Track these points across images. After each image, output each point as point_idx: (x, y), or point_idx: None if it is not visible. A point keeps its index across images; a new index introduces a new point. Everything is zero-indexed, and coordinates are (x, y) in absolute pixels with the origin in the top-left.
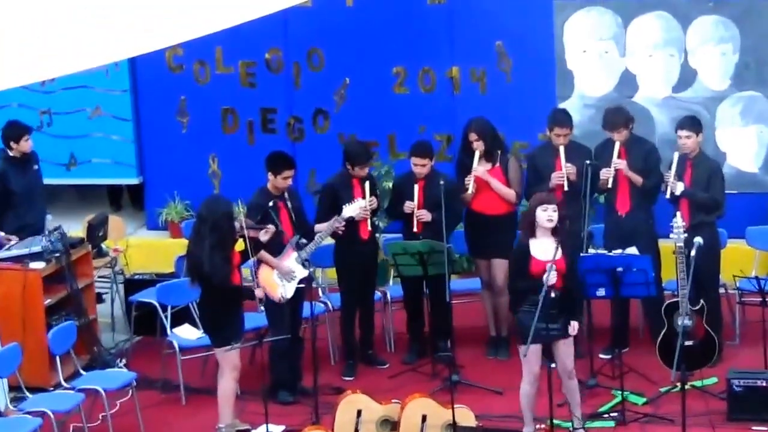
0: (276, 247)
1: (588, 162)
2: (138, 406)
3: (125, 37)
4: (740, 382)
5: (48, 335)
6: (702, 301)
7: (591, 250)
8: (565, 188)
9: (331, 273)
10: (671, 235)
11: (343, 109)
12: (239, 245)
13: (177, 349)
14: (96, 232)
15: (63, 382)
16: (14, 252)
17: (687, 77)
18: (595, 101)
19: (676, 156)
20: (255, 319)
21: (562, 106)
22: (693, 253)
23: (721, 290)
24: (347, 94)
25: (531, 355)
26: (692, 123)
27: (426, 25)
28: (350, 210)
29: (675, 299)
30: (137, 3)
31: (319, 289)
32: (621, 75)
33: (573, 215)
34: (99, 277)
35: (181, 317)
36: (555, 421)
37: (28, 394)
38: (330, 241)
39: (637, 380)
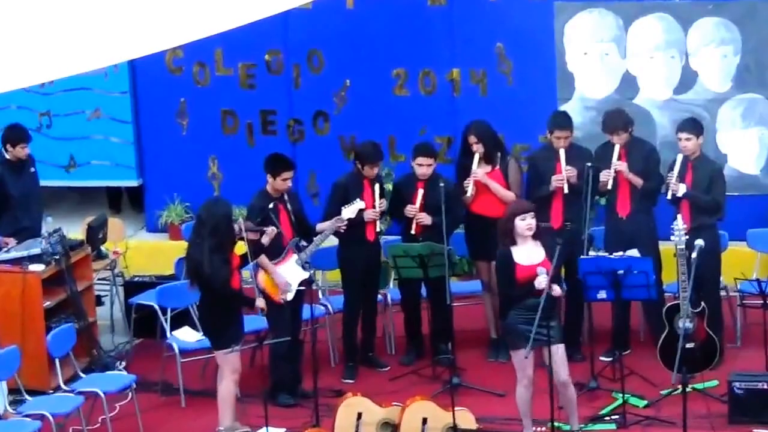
0: (276, 249)
1: (589, 164)
2: (138, 408)
3: (125, 40)
4: (741, 384)
5: (47, 338)
6: (703, 303)
7: (592, 253)
8: (565, 191)
9: (331, 275)
10: (672, 238)
11: (343, 111)
12: (239, 248)
13: (177, 351)
14: (95, 234)
15: (62, 385)
16: (13, 254)
17: (688, 79)
18: (596, 103)
19: (679, 158)
20: (255, 321)
21: (562, 108)
22: (694, 255)
23: (722, 293)
24: (347, 96)
25: (524, 359)
26: (693, 125)
27: (426, 26)
28: (349, 211)
29: (676, 302)
30: (137, 5)
31: (319, 292)
32: (622, 77)
33: (573, 218)
34: (98, 279)
35: (180, 320)
36: (556, 424)
37: (27, 396)
38: (331, 243)
39: (638, 383)
